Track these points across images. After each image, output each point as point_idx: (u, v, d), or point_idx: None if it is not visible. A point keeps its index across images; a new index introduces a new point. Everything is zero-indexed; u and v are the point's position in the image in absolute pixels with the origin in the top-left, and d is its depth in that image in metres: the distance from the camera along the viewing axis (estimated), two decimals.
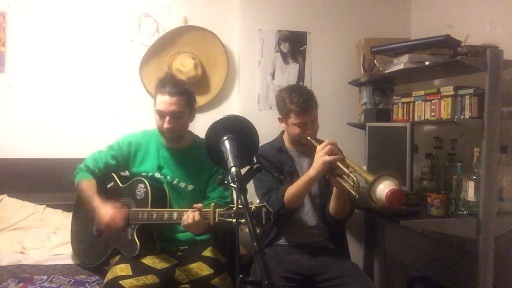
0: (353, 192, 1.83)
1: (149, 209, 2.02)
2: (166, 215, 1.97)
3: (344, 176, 1.91)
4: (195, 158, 2.17)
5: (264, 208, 1.65)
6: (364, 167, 2.88)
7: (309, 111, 2.14)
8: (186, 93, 2.12)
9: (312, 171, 2.01)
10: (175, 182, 2.17)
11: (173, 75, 2.40)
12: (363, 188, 1.82)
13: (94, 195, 2.12)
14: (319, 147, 2.00)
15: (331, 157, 1.94)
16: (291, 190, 2.06)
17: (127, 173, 2.27)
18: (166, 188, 2.13)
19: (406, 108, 2.66)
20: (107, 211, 2.04)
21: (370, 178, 1.71)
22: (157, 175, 2.17)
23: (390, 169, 2.54)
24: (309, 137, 2.14)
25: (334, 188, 2.06)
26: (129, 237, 2.03)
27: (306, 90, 2.23)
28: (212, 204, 1.85)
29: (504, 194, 2.21)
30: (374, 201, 1.68)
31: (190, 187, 2.17)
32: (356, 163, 1.92)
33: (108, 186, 2.23)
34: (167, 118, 2.07)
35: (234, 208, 1.75)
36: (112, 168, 2.23)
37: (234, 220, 1.73)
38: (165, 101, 2.07)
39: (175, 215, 1.96)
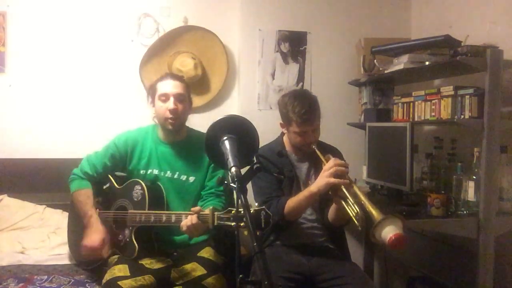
0: (356, 222, 1.80)
1: (146, 211, 2.00)
2: (164, 218, 1.95)
3: (348, 200, 1.87)
4: (193, 149, 2.18)
5: (263, 212, 1.62)
6: (364, 168, 2.88)
7: (310, 121, 2.11)
8: (185, 82, 2.24)
9: (314, 188, 1.99)
10: (175, 176, 2.16)
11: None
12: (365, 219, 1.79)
13: (92, 209, 2.08)
14: (326, 166, 1.97)
15: (336, 180, 1.90)
16: (291, 203, 2.05)
17: (123, 174, 2.25)
18: (163, 189, 2.12)
19: (406, 108, 2.66)
20: (95, 236, 2.00)
21: (376, 214, 1.66)
22: (156, 171, 2.16)
23: (391, 172, 2.56)
24: (316, 149, 2.13)
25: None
26: (127, 239, 2.02)
27: (310, 99, 2.16)
28: (211, 207, 1.82)
29: (504, 194, 2.21)
30: (376, 239, 1.64)
31: (192, 178, 2.17)
32: (362, 191, 1.87)
33: (104, 187, 2.22)
34: (171, 99, 2.11)
35: (233, 211, 1.72)
36: (110, 169, 2.21)
37: (233, 224, 1.69)
38: (168, 83, 2.15)
39: (173, 218, 1.93)
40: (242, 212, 1.52)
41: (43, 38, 2.91)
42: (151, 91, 2.20)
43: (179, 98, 2.14)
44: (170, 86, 2.14)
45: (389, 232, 1.60)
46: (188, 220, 1.86)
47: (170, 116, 2.11)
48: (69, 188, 2.20)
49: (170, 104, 2.11)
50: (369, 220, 1.70)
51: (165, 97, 2.13)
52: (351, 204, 1.85)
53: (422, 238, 2.64)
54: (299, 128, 2.12)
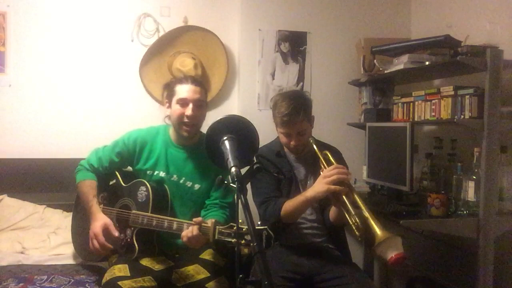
0: (356, 232, 1.80)
1: (149, 214, 1.98)
2: (166, 224, 1.93)
3: (348, 210, 1.86)
4: (203, 155, 2.11)
5: (265, 232, 1.54)
6: (364, 168, 2.88)
7: (292, 124, 2.09)
8: (204, 87, 2.20)
9: (310, 193, 1.96)
10: (181, 181, 2.14)
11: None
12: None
13: (93, 200, 2.08)
14: (325, 172, 1.94)
15: (335, 187, 1.87)
16: (288, 207, 2.04)
17: (130, 169, 2.23)
18: (168, 192, 2.10)
19: (406, 108, 2.66)
20: (95, 224, 1.99)
21: (379, 232, 1.66)
22: (162, 173, 2.14)
23: (391, 172, 2.56)
24: (313, 144, 2.13)
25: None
26: (128, 239, 2.01)
27: (297, 101, 2.11)
28: (213, 220, 1.79)
29: (504, 194, 2.21)
30: (376, 254, 1.66)
31: (197, 186, 2.14)
32: (362, 199, 1.82)
33: (110, 183, 2.21)
34: (190, 105, 2.08)
35: (234, 227, 1.68)
36: (116, 165, 2.20)
37: (233, 240, 1.67)
38: (189, 89, 2.10)
39: (174, 225, 1.91)
40: (243, 229, 1.50)
41: (43, 38, 2.91)
42: (168, 92, 2.15)
43: (198, 104, 2.10)
44: (190, 92, 2.10)
45: (391, 252, 1.63)
46: (189, 231, 1.82)
47: (187, 121, 2.08)
48: (75, 178, 2.19)
49: (189, 110, 2.07)
50: (368, 228, 1.70)
51: (183, 102, 2.09)
52: (352, 215, 1.83)
53: (422, 238, 2.64)
54: (282, 129, 2.14)
